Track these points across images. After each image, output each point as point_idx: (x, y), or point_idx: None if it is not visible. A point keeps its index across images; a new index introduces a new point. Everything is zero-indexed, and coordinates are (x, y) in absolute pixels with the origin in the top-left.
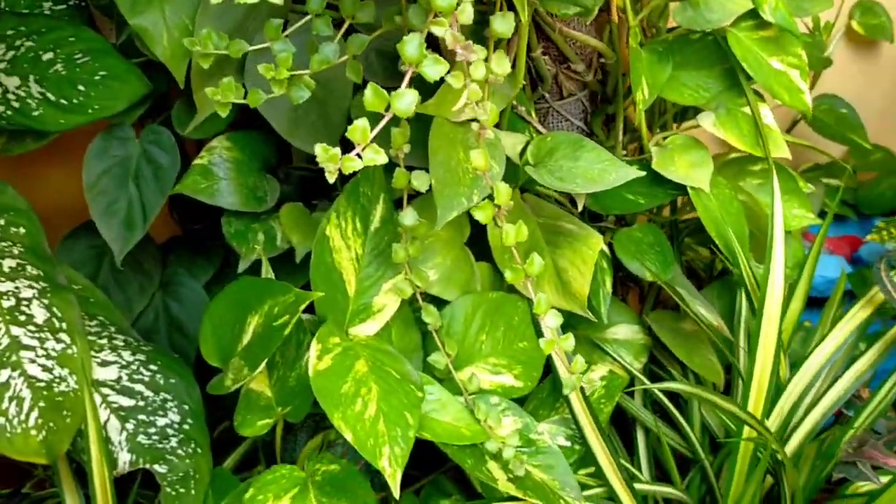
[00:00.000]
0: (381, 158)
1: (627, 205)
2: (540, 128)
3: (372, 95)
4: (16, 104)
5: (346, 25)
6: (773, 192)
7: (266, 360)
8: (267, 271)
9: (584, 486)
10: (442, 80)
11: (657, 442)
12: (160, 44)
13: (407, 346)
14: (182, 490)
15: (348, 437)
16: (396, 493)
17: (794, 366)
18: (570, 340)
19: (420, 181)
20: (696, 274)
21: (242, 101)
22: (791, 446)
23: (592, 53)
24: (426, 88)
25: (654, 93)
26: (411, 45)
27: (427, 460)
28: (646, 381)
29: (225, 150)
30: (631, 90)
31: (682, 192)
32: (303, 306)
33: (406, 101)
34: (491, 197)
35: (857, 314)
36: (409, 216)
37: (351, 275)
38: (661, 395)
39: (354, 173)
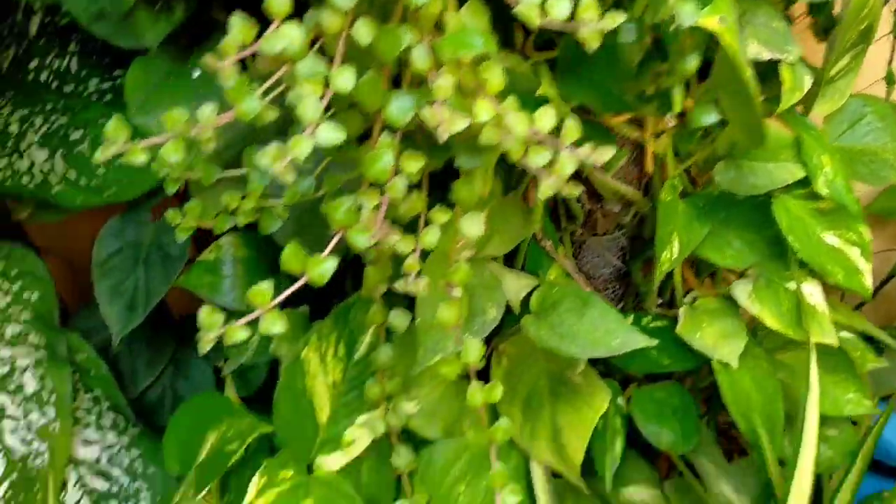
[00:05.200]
0: (278, 329)
1: (648, 364)
2: (567, 265)
3: (290, 256)
4: (39, 178)
5: (326, 161)
6: (810, 379)
7: (214, 483)
8: (229, 390)
9: None
10: None
11: None
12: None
13: (379, 485)
14: None
15: None
16: None
17: None
18: None
19: (400, 322)
20: (736, 437)
21: (207, 226)
22: None
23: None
24: None
25: (686, 251)
26: (340, 207)
27: None
28: None
29: (233, 248)
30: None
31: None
32: (253, 436)
33: (324, 268)
34: None
35: None
36: (383, 354)
37: (325, 401)
38: None
39: None
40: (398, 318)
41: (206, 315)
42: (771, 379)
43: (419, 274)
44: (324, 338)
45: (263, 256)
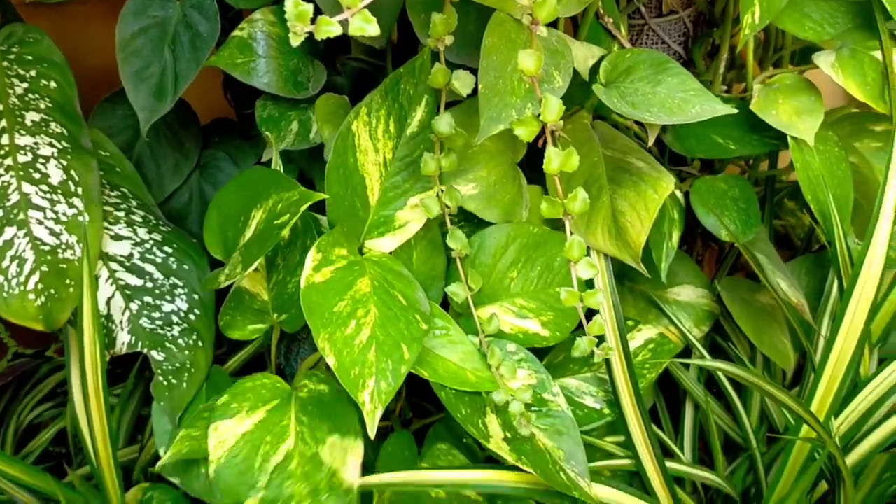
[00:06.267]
0: (372, 30)
1: (714, 149)
2: (628, 46)
3: None
4: None
5: None
6: (892, 155)
7: (261, 260)
8: (276, 163)
9: (609, 455)
10: None
11: (707, 421)
12: None
13: (429, 272)
14: (174, 381)
15: (331, 361)
16: (372, 433)
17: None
18: (596, 297)
19: (462, 83)
20: (791, 243)
21: None
22: (859, 452)
23: None
24: None
25: (766, 18)
26: None
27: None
28: (703, 351)
29: (268, 25)
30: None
31: (782, 142)
32: (305, 206)
33: None
34: None
35: None
36: (444, 122)
37: (375, 181)
38: (717, 371)
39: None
40: (462, 79)
41: (294, 6)
42: (842, 163)
43: None
44: (373, 112)
45: None
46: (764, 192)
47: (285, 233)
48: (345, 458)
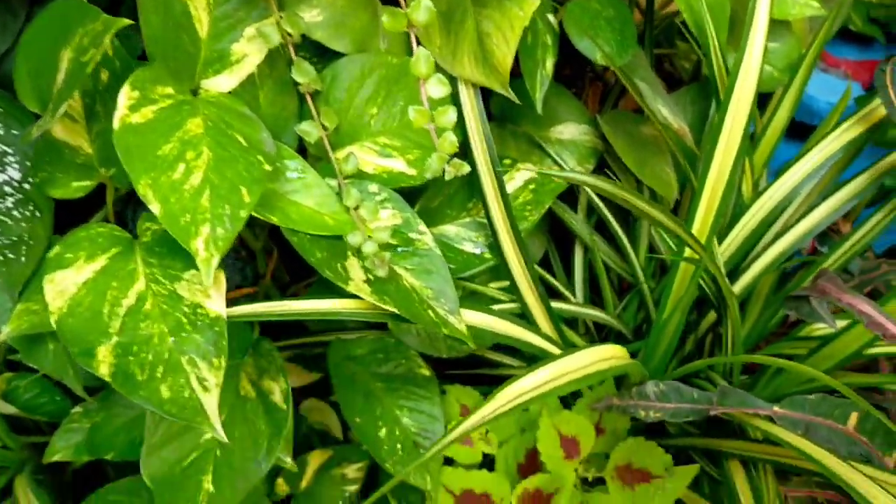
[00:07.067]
0: None
1: None
2: None
3: None
4: None
5: None
6: None
7: (79, 109)
8: None
9: (494, 301)
10: None
11: (595, 260)
12: None
13: (279, 113)
14: (11, 256)
15: (155, 209)
16: (208, 281)
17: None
18: (448, 114)
19: None
20: (678, 78)
21: None
22: (748, 277)
23: None
24: None
25: None
26: None
27: None
28: (588, 189)
29: None
30: None
31: None
32: (110, 35)
33: None
34: None
35: (848, 131)
36: None
37: (202, 11)
38: (603, 210)
39: None
40: None
41: None
42: None
43: None
44: None
45: None
46: (646, 21)
47: (91, 70)
48: (206, 290)
